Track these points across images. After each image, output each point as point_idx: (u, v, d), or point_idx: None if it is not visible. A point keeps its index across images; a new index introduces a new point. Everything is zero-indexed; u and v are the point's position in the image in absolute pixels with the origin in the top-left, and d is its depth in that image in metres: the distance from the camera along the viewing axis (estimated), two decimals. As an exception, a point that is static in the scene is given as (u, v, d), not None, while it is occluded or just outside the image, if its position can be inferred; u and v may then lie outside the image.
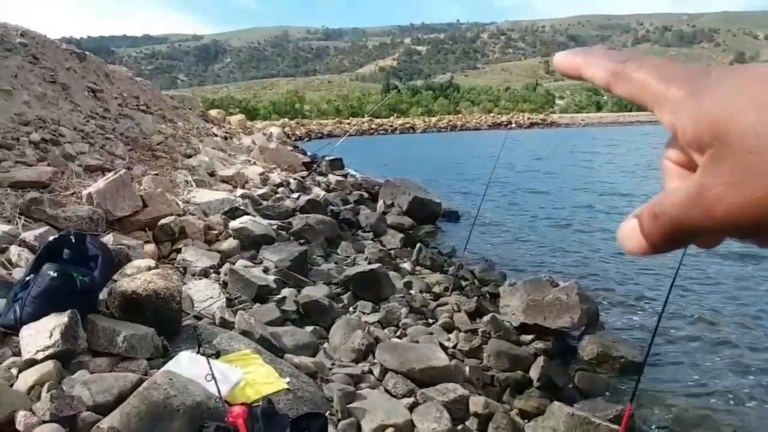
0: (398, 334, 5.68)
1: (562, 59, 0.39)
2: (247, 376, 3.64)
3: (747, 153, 0.29)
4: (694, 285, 8.16)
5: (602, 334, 6.21)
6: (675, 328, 6.73)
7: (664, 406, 4.99)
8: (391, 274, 7.66)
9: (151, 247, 5.95)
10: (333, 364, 4.73)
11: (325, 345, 5.15)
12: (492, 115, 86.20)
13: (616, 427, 3.86)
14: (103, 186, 5.98)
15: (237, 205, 8.10)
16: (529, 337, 6.17)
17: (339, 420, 3.84)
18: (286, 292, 5.96)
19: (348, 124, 61.52)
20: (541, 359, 5.22)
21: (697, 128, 0.31)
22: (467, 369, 4.96)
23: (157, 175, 8.21)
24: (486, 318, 6.18)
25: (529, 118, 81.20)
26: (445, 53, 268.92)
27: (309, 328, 5.29)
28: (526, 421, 4.31)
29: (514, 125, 73.71)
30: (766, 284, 8.23)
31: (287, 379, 3.87)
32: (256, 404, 3.05)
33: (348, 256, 8.47)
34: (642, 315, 7.09)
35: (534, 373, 5.12)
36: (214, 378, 3.05)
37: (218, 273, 5.99)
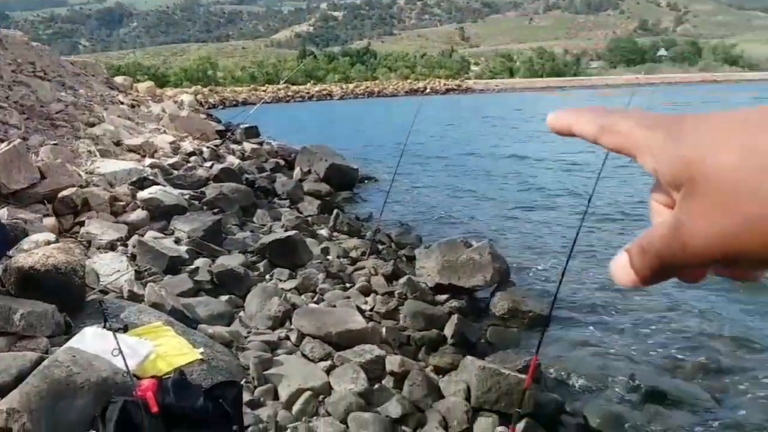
0: (315, 299, 5.69)
1: (554, 120, 0.41)
2: (158, 349, 3.55)
3: (716, 189, 0.31)
4: (598, 245, 8.58)
5: (513, 290, 6.46)
6: (580, 282, 7.09)
7: (569, 356, 5.28)
8: (308, 240, 7.63)
9: (51, 221, 5.65)
10: (249, 333, 4.69)
11: (241, 314, 5.10)
12: (409, 81, 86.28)
13: (523, 376, 4.04)
14: (-5, 157, 5.58)
15: (145, 174, 7.80)
16: (444, 297, 6.32)
17: (255, 387, 3.84)
18: (199, 262, 5.83)
19: (263, 91, 59.97)
20: (455, 317, 5.37)
21: (673, 169, 0.34)
22: (384, 330, 5.04)
23: (56, 145, 7.76)
24: (402, 280, 6.29)
25: (445, 84, 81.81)
26: (361, 19, 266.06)
27: (224, 298, 5.22)
28: (441, 376, 4.45)
29: (430, 91, 74.29)
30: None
31: (201, 350, 3.81)
32: (168, 376, 2.99)
33: (264, 225, 8.36)
34: (550, 271, 7.40)
35: (448, 330, 5.26)
36: (120, 352, 2.96)
37: (126, 246, 5.77)
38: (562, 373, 4.94)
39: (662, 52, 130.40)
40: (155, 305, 4.35)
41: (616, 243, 8.57)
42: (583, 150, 16.16)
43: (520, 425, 3.74)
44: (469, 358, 4.37)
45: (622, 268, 0.37)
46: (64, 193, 6.06)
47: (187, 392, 2.76)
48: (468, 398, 4.02)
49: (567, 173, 14.73)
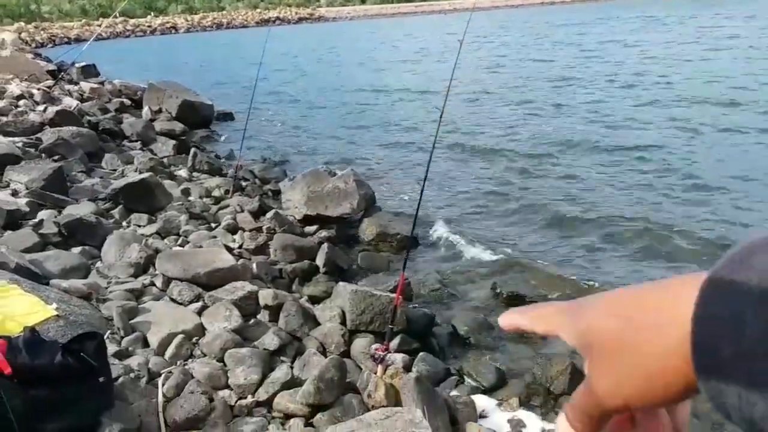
0: (180, 242, 5.44)
1: (503, 322, 0.51)
2: (4, 310, 3.25)
3: (605, 351, 0.39)
4: (451, 166, 8.90)
5: (379, 215, 6.61)
6: (438, 202, 7.39)
7: (435, 271, 5.53)
8: (167, 182, 7.23)
9: None
10: (109, 283, 4.41)
11: (98, 264, 4.77)
12: (258, 11, 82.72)
13: (394, 295, 4.18)
14: None
15: (-34, 123, 6.90)
16: (314, 228, 6.33)
17: (122, 337, 3.65)
18: (43, 214, 5.34)
19: (98, 26, 54.75)
20: (324, 246, 5.40)
21: (578, 340, 0.42)
22: (254, 266, 4.96)
23: None
24: (269, 215, 6.18)
25: (296, 13, 79.40)
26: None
27: (76, 250, 4.84)
28: (316, 305, 4.48)
29: (279, 21, 71.77)
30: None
31: (54, 306, 3.54)
32: (18, 336, 2.74)
33: (114, 170, 7.81)
34: (412, 194, 7.61)
35: (319, 260, 5.30)
36: (-41, 317, 2.66)
37: (-48, 203, 5.14)
38: (431, 288, 5.18)
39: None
40: (-4, 264, 3.95)
41: (465, 164, 8.97)
42: (433, 78, 16.58)
43: (395, 341, 3.90)
44: (341, 283, 4.44)
45: (563, 424, 0.43)
46: None
47: (41, 349, 2.55)
48: (344, 322, 4.10)
49: (419, 101, 15.02)
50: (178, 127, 10.99)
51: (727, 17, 31.81)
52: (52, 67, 17.19)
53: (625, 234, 6.04)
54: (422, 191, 4.22)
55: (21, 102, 9.64)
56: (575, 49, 22.76)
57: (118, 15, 53.13)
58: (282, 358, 3.71)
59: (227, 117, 13.61)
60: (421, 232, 6.42)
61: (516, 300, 4.95)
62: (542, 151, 8.74)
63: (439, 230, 6.50)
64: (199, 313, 3.97)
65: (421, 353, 3.91)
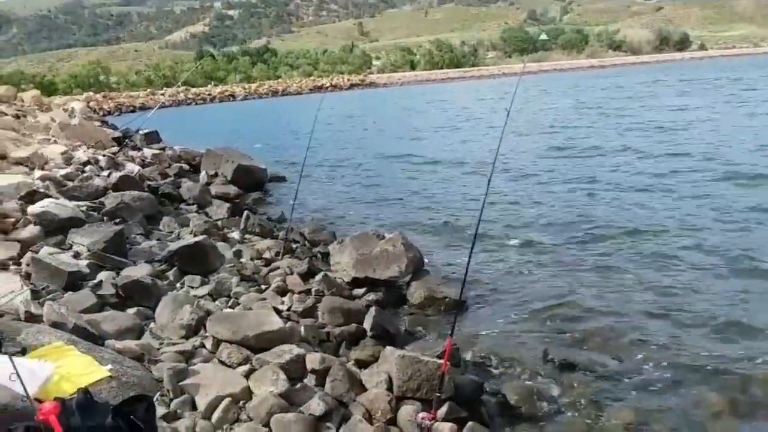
0: (230, 304, 5.54)
1: None
2: (60, 370, 3.34)
3: None
4: (499, 229, 8.84)
5: (427, 278, 6.55)
6: (488, 264, 7.32)
7: (484, 337, 5.43)
8: (219, 244, 7.41)
9: (-70, 244, 5.18)
10: (161, 344, 4.50)
11: (152, 325, 4.88)
12: (312, 78, 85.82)
13: (442, 361, 4.11)
14: None
15: (36, 187, 7.31)
16: (362, 291, 6.34)
17: (171, 399, 3.69)
18: (102, 275, 5.53)
19: (162, 95, 57.79)
20: (372, 309, 5.37)
21: None
22: (302, 329, 4.97)
23: (-70, 161, 7.13)
24: (318, 277, 6.24)
25: (348, 80, 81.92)
26: (258, 17, 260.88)
27: (131, 311, 4.98)
28: (363, 369, 4.44)
29: (332, 87, 74.07)
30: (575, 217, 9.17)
31: (109, 366, 3.62)
32: (72, 397, 2.81)
33: (172, 232, 8.07)
34: (460, 257, 7.57)
35: (367, 323, 5.26)
36: (18, 376, 2.75)
37: (19, 264, 5.40)
38: (480, 355, 5.07)
39: (543, 36, 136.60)
40: (55, 324, 4.09)
41: (514, 225, 8.89)
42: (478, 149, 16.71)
43: (443, 409, 3.80)
44: (388, 348, 4.39)
45: None
46: (-56, 212, 5.59)
47: (93, 411, 2.61)
48: (390, 388, 4.04)
49: (468, 161, 15.12)
50: (233, 190, 11.34)
51: None
52: (117, 134, 18.13)
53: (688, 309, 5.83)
54: (470, 255, 4.20)
55: (87, 168, 10.18)
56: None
57: (180, 84, 55.88)
58: (327, 424, 3.67)
59: (280, 180, 13.97)
60: (469, 296, 6.36)
61: (568, 368, 4.79)
62: (584, 227, 8.55)
63: (490, 293, 6.42)
64: (247, 376, 3.99)
65: (469, 423, 3.79)
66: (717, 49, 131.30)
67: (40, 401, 2.84)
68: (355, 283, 6.43)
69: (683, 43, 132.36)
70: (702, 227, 8.07)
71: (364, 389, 4.10)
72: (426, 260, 7.16)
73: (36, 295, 4.84)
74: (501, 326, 5.68)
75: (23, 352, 3.51)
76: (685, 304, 5.82)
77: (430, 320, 5.83)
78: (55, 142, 12.33)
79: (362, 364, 4.60)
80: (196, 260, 6.27)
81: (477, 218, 4.58)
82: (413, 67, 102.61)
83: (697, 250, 7.22)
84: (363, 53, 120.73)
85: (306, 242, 8.32)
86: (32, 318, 4.27)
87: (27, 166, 9.08)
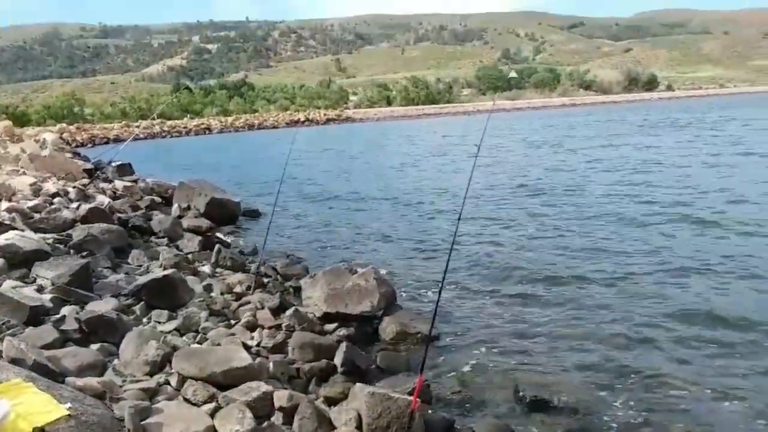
0: (198, 339, 5.43)
1: None
2: (17, 408, 3.22)
3: None
4: (471, 263, 8.89)
5: (400, 314, 6.52)
6: (462, 300, 7.31)
7: (456, 373, 5.39)
8: (189, 278, 7.31)
9: None
10: (124, 381, 4.38)
11: (116, 362, 4.75)
12: (288, 112, 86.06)
13: (412, 398, 4.07)
14: None
15: (1, 219, 7.15)
16: (333, 326, 6.26)
17: (133, 439, 3.57)
18: (65, 310, 5.39)
19: (137, 127, 57.44)
20: (343, 345, 5.31)
21: None
22: (271, 365, 4.89)
23: None
24: (289, 312, 6.16)
25: (325, 114, 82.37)
26: (236, 51, 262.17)
27: (95, 346, 4.85)
28: (332, 407, 4.36)
29: (308, 122, 74.48)
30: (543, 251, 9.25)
31: (68, 405, 3.50)
32: (25, 437, 2.70)
33: (140, 265, 7.93)
34: (433, 292, 7.56)
35: (338, 359, 5.19)
36: (-30, 416, 2.65)
37: (-21, 298, 5.23)
38: (451, 391, 5.01)
39: (512, 74, 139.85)
40: (14, 360, 3.96)
41: (485, 263, 8.92)
42: (450, 185, 16.83)
43: (413, 448, 3.74)
44: (358, 385, 4.33)
45: None
46: None
47: (49, 453, 2.51)
48: (360, 426, 3.97)
49: (438, 196, 15.25)
50: (205, 223, 11.22)
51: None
52: (89, 165, 17.91)
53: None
54: (440, 291, 4.19)
55: (56, 200, 10.00)
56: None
57: (155, 117, 55.65)
58: (294, 464, 3.58)
59: (254, 214, 13.88)
60: (442, 331, 6.33)
61: (540, 405, 4.76)
62: (555, 264, 8.64)
63: (462, 329, 6.39)
64: (212, 414, 3.90)
65: (439, 461, 3.74)
66: (684, 90, 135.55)
67: (-8, 442, 2.73)
68: (327, 318, 6.36)
69: (651, 84, 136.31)
70: (664, 265, 8.21)
71: (332, 427, 4.02)
72: (399, 295, 7.14)
73: (-5, 330, 4.69)
74: (473, 362, 5.64)
75: (-22, 389, 3.37)
76: (661, 340, 5.85)
77: (402, 356, 5.76)
78: (24, 173, 12.12)
79: (332, 402, 4.51)
80: (164, 294, 6.16)
81: (447, 255, 4.59)
82: (389, 103, 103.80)
83: (668, 286, 7.33)
84: (340, 88, 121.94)
85: (278, 276, 8.24)
86: (-10, 354, 4.12)
87: (-7, 197, 8.91)
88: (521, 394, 4.90)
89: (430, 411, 4.50)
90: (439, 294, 4.34)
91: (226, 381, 4.30)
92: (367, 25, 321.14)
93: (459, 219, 4.63)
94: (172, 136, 61.68)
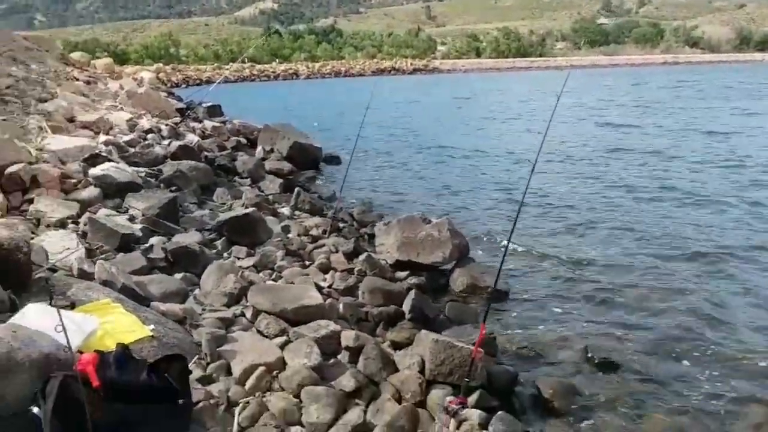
0: (273, 276, 5.65)
1: None
2: (106, 326, 3.48)
3: None
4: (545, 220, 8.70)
5: (472, 266, 6.49)
6: (538, 254, 7.20)
7: (525, 329, 5.36)
8: (269, 219, 7.57)
9: (-3, 198, 5.47)
10: (204, 310, 4.64)
11: (196, 291, 5.03)
12: (375, 60, 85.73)
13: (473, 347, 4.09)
14: (-65, 132, 5.37)
15: (99, 151, 7.60)
16: (404, 274, 6.33)
17: (208, 363, 3.80)
18: (153, 240, 5.73)
19: (227, 69, 58.93)
20: (412, 293, 5.38)
21: None
22: (341, 306, 5.03)
23: (5, 120, 7.49)
24: (361, 257, 6.28)
25: (411, 64, 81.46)
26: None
27: (178, 276, 5.14)
28: (397, 351, 4.46)
29: (394, 71, 73.90)
30: (619, 211, 8.93)
31: (151, 327, 3.75)
32: (110, 351, 2.93)
33: (224, 203, 8.25)
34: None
35: (406, 306, 5.27)
36: (63, 328, 2.88)
37: (77, 224, 5.63)
38: (518, 346, 5.00)
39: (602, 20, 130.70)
40: (105, 283, 4.26)
41: (563, 220, 8.72)
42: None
43: (473, 397, 3.78)
44: (423, 331, 4.39)
45: None
46: (12, 169, 5.87)
47: (130, 366, 2.71)
48: (422, 371, 4.05)
49: (517, 152, 14.89)
50: (287, 167, 11.48)
51: None
52: (181, 105, 18.62)
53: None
54: (507, 245, 4.15)
55: (149, 136, 10.49)
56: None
57: (246, 60, 56.78)
58: (357, 400, 3.71)
59: (334, 160, 14.06)
60: (513, 287, 6.28)
61: (608, 367, 4.68)
62: (634, 228, 8.30)
63: (532, 287, 6.33)
64: (282, 347, 4.06)
65: (499, 412, 3.74)
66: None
67: (81, 352, 2.97)
68: (399, 265, 6.43)
69: (765, 44, 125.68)
70: (754, 239, 7.72)
71: (396, 370, 4.12)
72: (472, 248, 7.10)
73: (90, 253, 5.05)
74: (543, 320, 5.60)
75: (72, 306, 3.66)
76: (739, 312, 5.59)
77: (471, 307, 5.78)
78: (122, 109, 12.73)
79: (397, 346, 4.61)
80: (244, 231, 6.41)
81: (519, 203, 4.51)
82: (478, 55, 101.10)
83: (752, 263, 6.92)
84: (428, 38, 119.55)
85: (354, 222, 8.37)
86: (84, 275, 4.45)
87: (93, 130, 9.43)
88: (590, 355, 4.84)
89: (495, 363, 4.52)
90: (506, 250, 4.28)
91: (296, 317, 4.47)
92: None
93: (531, 174, 4.53)
94: (260, 80, 62.95)
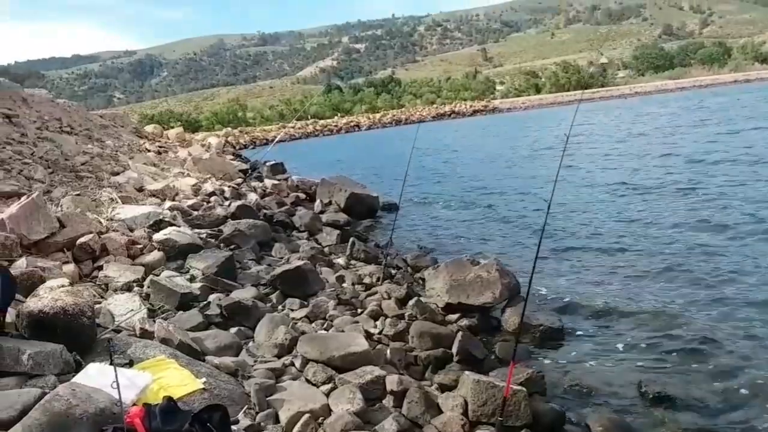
0: (325, 326, 5.81)
1: None
2: (159, 381, 3.73)
3: None
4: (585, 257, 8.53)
5: (522, 305, 6.45)
6: (591, 288, 7.08)
7: (577, 365, 5.30)
8: (325, 269, 7.82)
9: (70, 267, 5.93)
10: (256, 361, 4.84)
11: (250, 344, 5.25)
12: (435, 105, 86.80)
13: (520, 387, 4.09)
14: (15, 210, 5.93)
15: (162, 216, 8.10)
16: (455, 316, 6.39)
17: (257, 412, 3.96)
18: (211, 297, 6.03)
19: (292, 127, 61.10)
20: (459, 335, 5.42)
21: None
22: (389, 352, 5.12)
23: (79, 195, 8.13)
24: (411, 302, 6.38)
25: (471, 106, 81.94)
26: (383, 49, 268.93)
27: (233, 330, 5.39)
28: (443, 393, 4.50)
29: (455, 114, 74.48)
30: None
31: (203, 380, 3.98)
32: (157, 404, 3.15)
33: (282, 257, 8.56)
34: (563, 283, 7.39)
35: (454, 348, 5.32)
36: (117, 384, 3.14)
37: (141, 286, 6.02)
38: (569, 384, 4.95)
39: (603, 60, 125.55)
40: (164, 340, 4.54)
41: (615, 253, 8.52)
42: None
43: (517, 436, 3.78)
44: (466, 372, 4.44)
45: None
46: (83, 239, 6.37)
47: (174, 417, 2.91)
48: (465, 412, 4.08)
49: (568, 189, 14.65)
50: (343, 217, 11.80)
51: None
52: (245, 166, 19.49)
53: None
54: (531, 279, 4.14)
55: (212, 198, 11.07)
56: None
57: (309, 116, 58.80)
58: (399, 444, 3.77)
59: (392, 207, 14.29)
60: (566, 323, 6.20)
61: (664, 402, 4.55)
62: (693, 261, 8.00)
63: (583, 322, 6.24)
64: (328, 394, 4.20)
65: (545, 451, 3.74)
66: None
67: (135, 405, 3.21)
68: (449, 308, 6.49)
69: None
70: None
71: (439, 412, 4.16)
72: (523, 286, 7.06)
73: (152, 313, 5.39)
74: (596, 356, 5.51)
75: (130, 363, 3.95)
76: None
77: (523, 347, 5.74)
78: (188, 175, 13.51)
79: (444, 388, 4.66)
80: (296, 284, 6.65)
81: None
82: (538, 91, 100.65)
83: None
84: (486, 79, 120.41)
85: (408, 268, 8.50)
86: (146, 334, 4.76)
87: (159, 197, 10.06)
88: (644, 390, 4.72)
89: (544, 402, 4.49)
90: (530, 281, 4.28)
91: (344, 364, 4.60)
92: (514, 12, 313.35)
93: (548, 207, 4.65)
94: (323, 135, 64.75)
